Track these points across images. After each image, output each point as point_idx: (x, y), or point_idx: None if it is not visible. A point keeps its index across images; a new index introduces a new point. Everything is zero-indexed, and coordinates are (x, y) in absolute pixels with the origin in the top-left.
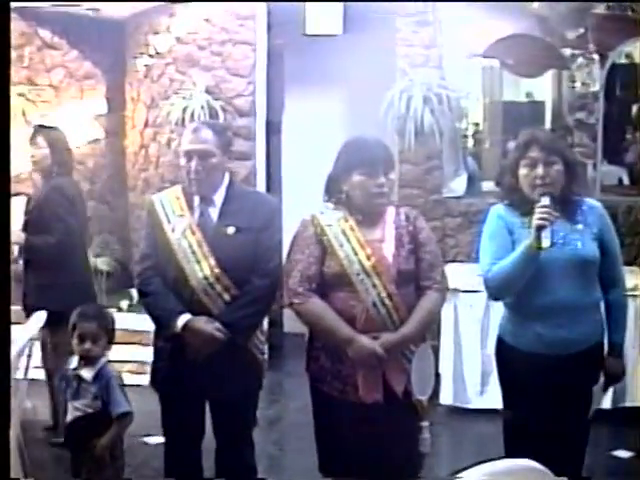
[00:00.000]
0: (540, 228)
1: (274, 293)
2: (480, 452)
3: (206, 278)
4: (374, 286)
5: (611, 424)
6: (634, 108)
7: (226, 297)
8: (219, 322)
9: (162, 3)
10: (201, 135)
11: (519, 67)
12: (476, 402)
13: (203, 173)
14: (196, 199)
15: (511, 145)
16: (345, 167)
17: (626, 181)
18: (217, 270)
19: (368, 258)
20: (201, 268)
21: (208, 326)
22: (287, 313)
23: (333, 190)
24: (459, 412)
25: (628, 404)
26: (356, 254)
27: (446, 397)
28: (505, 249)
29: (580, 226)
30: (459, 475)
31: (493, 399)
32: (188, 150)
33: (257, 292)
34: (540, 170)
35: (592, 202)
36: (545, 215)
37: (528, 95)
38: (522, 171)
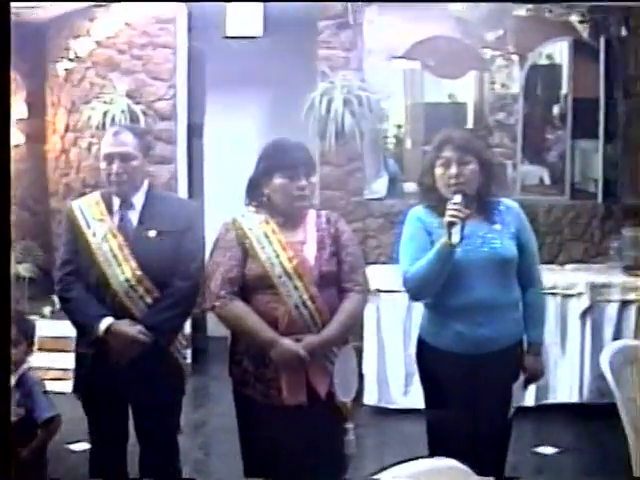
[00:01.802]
0: (451, 224)
1: (196, 295)
2: (406, 452)
3: (128, 281)
4: (296, 288)
5: (534, 421)
6: (555, 108)
7: (148, 300)
8: (142, 325)
9: (83, 6)
10: (121, 138)
11: (440, 68)
12: (400, 402)
13: (124, 175)
14: (116, 203)
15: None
16: (266, 170)
17: (547, 181)
18: (139, 273)
19: (290, 260)
20: (123, 271)
21: (131, 329)
22: (211, 317)
23: (254, 193)
24: (383, 412)
25: (551, 401)
26: (278, 256)
27: (370, 398)
28: (423, 250)
29: (498, 226)
30: (379, 475)
31: (417, 399)
32: (109, 153)
33: (179, 294)
34: (453, 169)
35: (509, 202)
36: (455, 212)
37: (450, 96)
38: (438, 171)
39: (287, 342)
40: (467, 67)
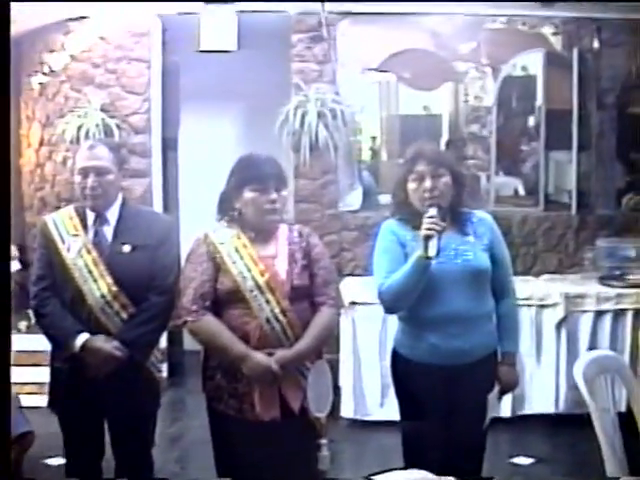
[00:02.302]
0: (427, 238)
1: (172, 310)
2: (382, 464)
3: (103, 297)
4: (268, 302)
5: (511, 432)
6: (529, 120)
7: (124, 315)
8: (118, 340)
9: (58, 19)
10: (97, 152)
11: (415, 81)
12: (377, 414)
13: (99, 189)
14: (90, 218)
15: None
16: (237, 184)
17: (521, 192)
18: (114, 288)
19: (261, 274)
20: (98, 287)
21: (107, 345)
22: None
23: (225, 207)
24: (360, 425)
25: (527, 411)
26: (249, 270)
27: (347, 410)
28: (398, 262)
29: (471, 238)
30: None
31: (393, 411)
32: (84, 167)
33: (155, 309)
34: (428, 183)
35: (481, 214)
36: (432, 225)
37: (425, 108)
38: (411, 185)
39: (259, 356)
40: (441, 79)
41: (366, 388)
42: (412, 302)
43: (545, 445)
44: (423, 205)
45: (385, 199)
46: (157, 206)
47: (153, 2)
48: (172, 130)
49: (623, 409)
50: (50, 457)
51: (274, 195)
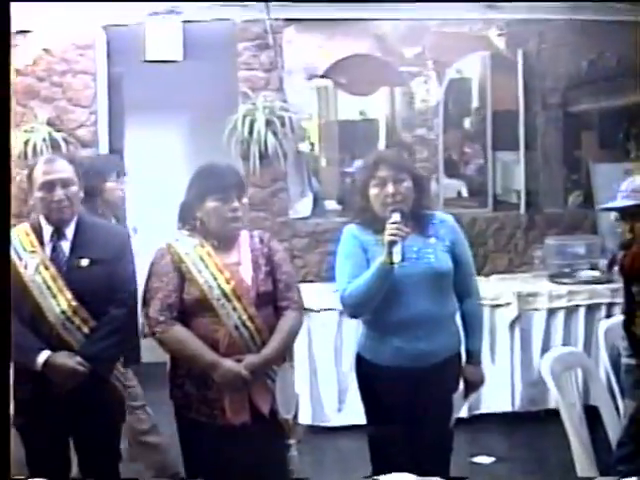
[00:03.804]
0: (391, 244)
1: (133, 322)
2: (342, 469)
3: (64, 312)
4: (235, 309)
5: (469, 431)
6: (466, 121)
7: (85, 330)
8: (80, 356)
9: None
10: (58, 165)
11: (352, 86)
12: (335, 420)
13: (66, 202)
14: (47, 233)
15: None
16: (198, 194)
17: (465, 193)
18: (74, 303)
19: (227, 282)
20: (58, 302)
21: (69, 361)
22: (144, 343)
23: (187, 217)
24: (318, 431)
25: (483, 411)
26: (215, 279)
27: (305, 416)
28: (360, 267)
29: (433, 240)
30: None
31: (351, 416)
32: (49, 180)
33: (116, 322)
34: (390, 188)
35: (443, 216)
36: (396, 231)
37: (362, 113)
38: (372, 191)
39: (229, 363)
40: (380, 83)
41: (323, 394)
42: (375, 306)
43: (504, 443)
44: (385, 210)
45: (330, 205)
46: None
47: (97, 6)
48: (117, 142)
49: (590, 403)
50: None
51: (236, 203)
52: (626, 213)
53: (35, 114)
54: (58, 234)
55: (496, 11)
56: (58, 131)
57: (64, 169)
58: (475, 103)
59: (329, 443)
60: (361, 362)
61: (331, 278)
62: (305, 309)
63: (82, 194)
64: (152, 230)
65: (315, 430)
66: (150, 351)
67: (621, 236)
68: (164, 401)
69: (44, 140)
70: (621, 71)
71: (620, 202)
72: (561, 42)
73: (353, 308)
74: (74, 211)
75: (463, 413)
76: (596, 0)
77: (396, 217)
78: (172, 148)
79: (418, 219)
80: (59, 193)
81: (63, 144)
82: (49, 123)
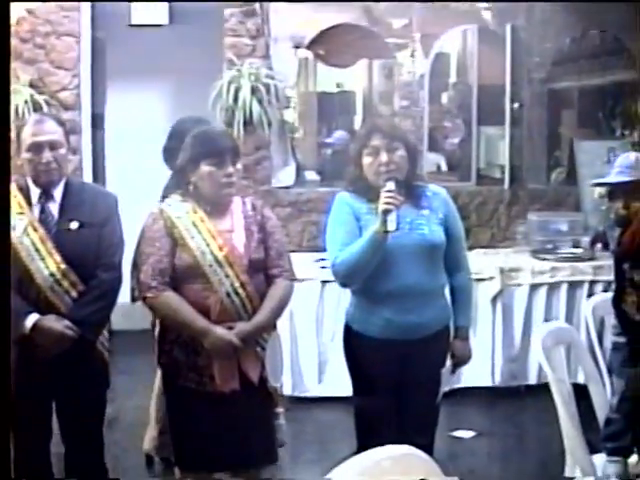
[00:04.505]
0: (386, 212)
1: (119, 287)
2: (321, 440)
3: (52, 275)
4: (227, 276)
5: (449, 405)
6: (444, 96)
7: (73, 294)
8: (68, 319)
9: None
10: (47, 127)
11: (330, 57)
12: (314, 391)
13: (54, 164)
14: (34, 195)
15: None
16: (193, 158)
17: (444, 168)
18: (63, 266)
19: (220, 249)
20: (46, 265)
21: (58, 324)
22: (117, 310)
23: (180, 181)
24: (297, 401)
25: (463, 384)
26: (208, 245)
27: (285, 387)
28: (353, 235)
29: (426, 211)
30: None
31: (331, 387)
32: (37, 142)
33: (104, 286)
34: (384, 157)
35: (436, 188)
36: (390, 199)
37: (338, 85)
38: (366, 160)
39: (220, 331)
40: (360, 55)
41: (303, 365)
42: (366, 276)
43: (483, 418)
44: (378, 179)
45: (309, 176)
46: None
47: None
48: (100, 107)
49: (578, 380)
50: None
51: (231, 169)
52: (619, 189)
53: (17, 75)
54: (46, 196)
55: None
56: (40, 93)
57: (53, 130)
58: (454, 77)
59: (308, 414)
60: (349, 333)
61: (313, 248)
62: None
63: (70, 156)
64: (135, 196)
65: (294, 400)
66: (121, 318)
67: (605, 214)
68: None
69: (26, 102)
70: (604, 49)
71: (614, 177)
72: (548, 18)
73: (344, 277)
74: (62, 173)
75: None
76: None
77: (391, 185)
78: (155, 113)
79: (411, 190)
80: (47, 155)
81: (45, 106)
82: (31, 85)
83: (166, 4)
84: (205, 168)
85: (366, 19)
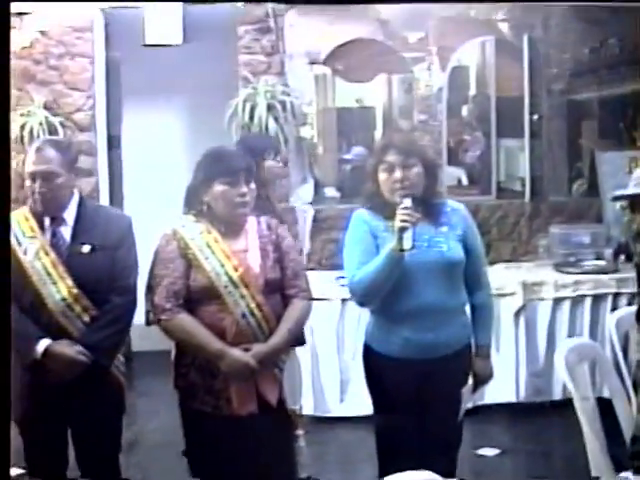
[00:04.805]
0: (402, 230)
1: (134, 310)
2: (344, 460)
3: (64, 299)
4: (242, 297)
5: (473, 423)
6: (464, 109)
7: (86, 318)
8: (81, 345)
9: None
10: (44, 155)
11: (349, 73)
12: (336, 410)
13: (48, 194)
14: (46, 219)
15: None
16: (206, 177)
17: (465, 181)
18: (75, 291)
19: (235, 269)
20: (58, 290)
21: (70, 350)
22: (135, 331)
23: (193, 201)
24: (320, 421)
25: (487, 401)
26: (222, 266)
27: (306, 407)
28: (370, 253)
29: (444, 228)
30: None
31: (353, 407)
32: (32, 171)
33: (117, 311)
34: (398, 174)
35: (455, 204)
36: (406, 217)
37: (358, 101)
38: (381, 176)
39: (237, 353)
40: (378, 70)
41: (325, 384)
42: (383, 295)
43: (508, 435)
44: (394, 196)
45: (329, 192)
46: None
47: None
48: (115, 127)
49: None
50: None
51: (244, 188)
52: (637, 202)
53: (32, 97)
54: (57, 220)
55: None
56: (55, 115)
57: (49, 160)
58: (474, 90)
59: (331, 434)
60: (369, 352)
61: (333, 266)
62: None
63: (75, 181)
64: (151, 216)
65: (317, 421)
66: (142, 339)
67: (627, 225)
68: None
69: (41, 124)
70: (624, 59)
71: (632, 190)
72: (565, 28)
73: (361, 296)
74: (60, 203)
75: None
76: None
77: (407, 202)
78: (171, 133)
79: (429, 206)
80: (39, 186)
81: (60, 128)
82: (46, 107)
83: (180, 23)
84: (219, 187)
85: (382, 33)
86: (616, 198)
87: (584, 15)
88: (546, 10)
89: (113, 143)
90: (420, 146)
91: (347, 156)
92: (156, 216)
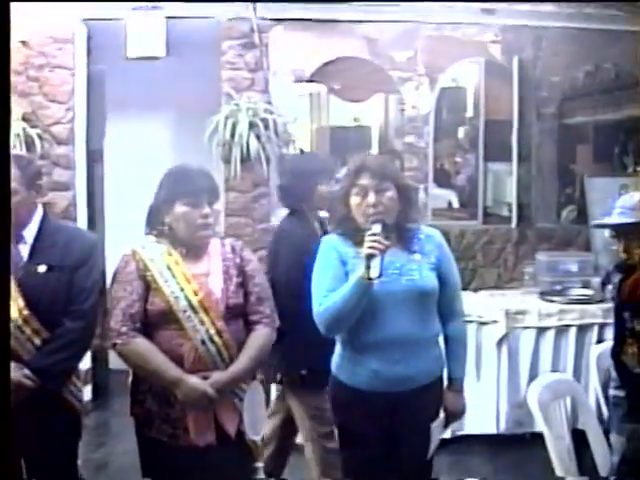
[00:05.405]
0: (370, 257)
1: (91, 336)
2: None
3: (14, 321)
4: (202, 323)
5: (452, 454)
6: (460, 131)
7: (36, 341)
8: (28, 369)
9: None
10: None
11: (346, 92)
12: None
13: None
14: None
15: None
16: (167, 197)
17: (455, 204)
18: (26, 312)
19: (195, 293)
20: None
21: (16, 373)
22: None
23: (155, 222)
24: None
25: (467, 432)
26: (182, 290)
27: None
28: (339, 281)
29: (417, 256)
30: None
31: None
32: None
33: (71, 335)
34: (371, 198)
35: (430, 230)
36: (375, 244)
37: (355, 120)
38: (354, 200)
39: (194, 380)
40: (374, 90)
41: None
42: (351, 324)
43: (488, 467)
44: (366, 221)
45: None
46: (81, 220)
47: (78, 1)
48: (97, 141)
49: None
50: None
51: (207, 209)
52: (621, 231)
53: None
54: (16, 237)
55: (491, 16)
56: (33, 127)
57: None
58: (469, 112)
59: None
60: (335, 384)
61: None
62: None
63: (36, 197)
64: (133, 235)
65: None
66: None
67: (616, 255)
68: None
69: (18, 136)
70: (619, 83)
71: (616, 218)
72: (557, 51)
73: (328, 325)
74: (18, 220)
75: (446, 434)
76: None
77: (376, 229)
78: (154, 147)
79: (402, 233)
80: None
81: (38, 140)
82: (24, 119)
83: (163, 36)
84: (180, 208)
85: (368, 51)
86: (598, 226)
87: (577, 38)
88: (537, 32)
89: (94, 158)
90: (394, 169)
91: (339, 175)
92: (138, 234)
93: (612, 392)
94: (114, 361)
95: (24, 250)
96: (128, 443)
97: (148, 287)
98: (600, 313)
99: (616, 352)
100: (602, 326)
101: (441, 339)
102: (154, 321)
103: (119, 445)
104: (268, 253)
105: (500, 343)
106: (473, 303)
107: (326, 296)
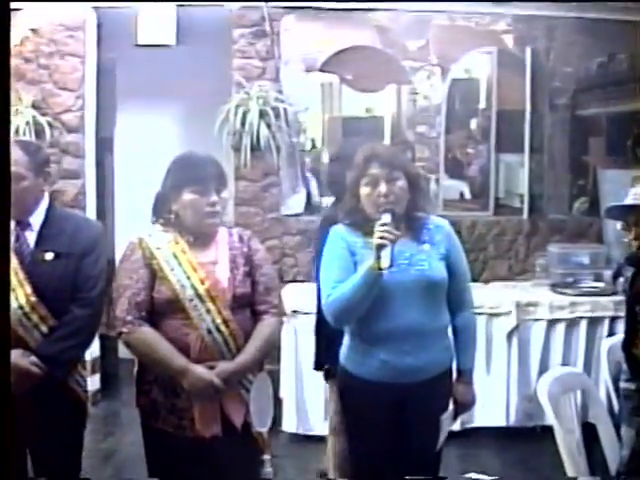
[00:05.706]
0: (380, 247)
1: (97, 324)
2: None
3: (21, 307)
4: (208, 312)
5: (461, 446)
6: (473, 122)
7: (43, 328)
8: (35, 356)
9: None
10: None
11: (359, 82)
12: (320, 428)
13: (12, 197)
14: (11, 222)
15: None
16: (174, 185)
17: (467, 195)
18: (33, 299)
19: (202, 282)
20: (16, 297)
21: (23, 360)
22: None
23: (162, 210)
24: (302, 439)
25: (476, 424)
26: (189, 278)
27: (289, 424)
28: (347, 272)
29: (426, 246)
30: None
31: None
32: None
33: (78, 323)
34: (382, 188)
35: (439, 221)
36: (385, 234)
37: (368, 110)
38: (363, 190)
39: (200, 370)
40: (386, 80)
41: (309, 401)
42: (361, 315)
43: (497, 460)
44: (377, 210)
45: (328, 202)
46: (90, 209)
47: None
48: (107, 129)
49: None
50: None
51: (214, 197)
52: (632, 220)
53: (20, 96)
54: (22, 224)
55: (503, 6)
56: (43, 115)
57: (15, 162)
58: (482, 103)
59: (313, 453)
60: (344, 375)
61: None
62: (294, 311)
63: (45, 186)
64: (142, 223)
65: (299, 438)
66: None
67: (627, 247)
68: None
69: (27, 123)
70: (633, 75)
71: (630, 200)
72: (570, 41)
73: (337, 316)
74: (25, 207)
75: (455, 426)
76: None
77: (386, 218)
78: (163, 137)
79: (412, 223)
80: None
81: (47, 128)
82: (34, 106)
83: (173, 24)
84: (187, 196)
85: (380, 40)
86: (610, 209)
87: (591, 29)
88: (550, 22)
89: (104, 146)
90: (404, 159)
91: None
92: (148, 221)
93: (623, 385)
94: (123, 350)
95: (30, 237)
96: (136, 433)
97: (154, 275)
98: (611, 306)
99: (627, 345)
100: (613, 319)
101: (450, 330)
102: (160, 310)
103: (127, 435)
104: (315, 243)
105: (510, 335)
106: (484, 295)
107: (335, 287)
